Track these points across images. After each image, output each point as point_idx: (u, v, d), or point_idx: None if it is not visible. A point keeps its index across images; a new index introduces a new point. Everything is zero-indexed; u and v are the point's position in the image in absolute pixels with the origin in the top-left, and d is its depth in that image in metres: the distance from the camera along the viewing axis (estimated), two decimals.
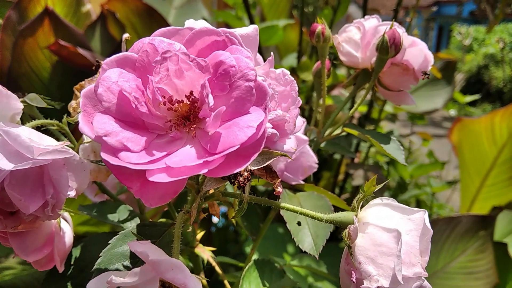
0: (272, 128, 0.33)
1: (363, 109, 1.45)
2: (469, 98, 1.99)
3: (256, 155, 0.26)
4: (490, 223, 1.06)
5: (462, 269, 1.07)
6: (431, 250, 1.01)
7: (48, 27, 0.96)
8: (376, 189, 0.33)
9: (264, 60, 0.38)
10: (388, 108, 1.49)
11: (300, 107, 1.10)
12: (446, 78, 1.59)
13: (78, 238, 0.45)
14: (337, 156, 1.43)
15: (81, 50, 0.91)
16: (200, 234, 0.50)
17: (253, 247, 0.56)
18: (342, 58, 0.52)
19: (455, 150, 1.39)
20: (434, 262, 1.09)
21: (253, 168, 0.31)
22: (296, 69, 1.24)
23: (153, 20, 1.14)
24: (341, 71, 1.46)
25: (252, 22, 1.19)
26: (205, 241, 0.50)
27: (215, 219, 1.39)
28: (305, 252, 0.47)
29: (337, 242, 1.30)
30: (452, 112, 2.30)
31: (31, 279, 0.75)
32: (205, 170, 0.25)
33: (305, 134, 0.53)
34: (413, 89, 1.62)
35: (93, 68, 0.41)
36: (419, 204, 1.68)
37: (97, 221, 0.86)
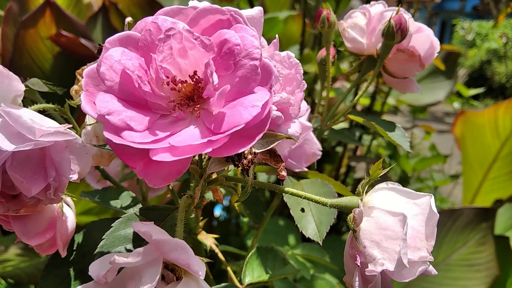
0: (277, 111, 0.33)
1: (366, 101, 1.45)
2: (473, 92, 1.97)
3: (260, 135, 0.26)
4: (491, 215, 1.06)
5: (463, 261, 1.07)
6: None
7: (50, 18, 0.95)
8: (381, 174, 0.33)
9: None
10: (391, 100, 1.49)
11: None
12: (448, 70, 1.59)
13: (80, 229, 0.44)
14: (339, 149, 1.42)
15: (83, 40, 0.91)
16: (203, 222, 0.50)
17: (256, 235, 0.56)
18: (347, 44, 0.51)
19: (458, 143, 1.39)
20: (435, 254, 1.09)
21: (257, 150, 0.31)
22: (298, 61, 1.23)
23: (154, 11, 1.13)
24: (344, 65, 1.46)
25: None
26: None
27: (217, 213, 1.39)
28: (307, 240, 0.47)
29: (339, 236, 1.30)
30: (456, 105, 2.29)
31: (32, 269, 0.75)
32: (209, 150, 0.24)
33: (309, 121, 0.52)
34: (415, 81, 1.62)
35: (96, 52, 0.40)
36: None
37: (99, 210, 0.86)
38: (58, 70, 1.01)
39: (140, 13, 1.16)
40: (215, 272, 0.82)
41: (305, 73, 1.25)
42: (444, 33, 12.39)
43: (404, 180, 1.69)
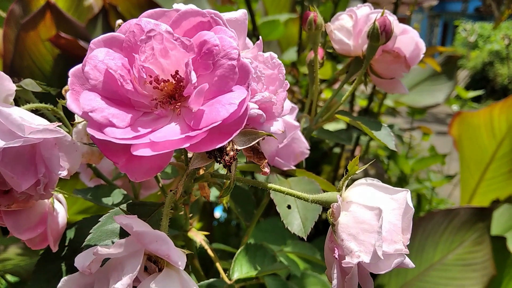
0: (259, 109, 0.34)
1: (363, 103, 1.45)
2: (472, 94, 1.98)
3: (238, 131, 0.27)
4: (487, 215, 1.06)
5: (460, 261, 1.08)
6: (428, 242, 1.01)
7: (50, 21, 0.97)
8: (360, 170, 0.34)
9: None
10: (389, 102, 1.49)
11: (300, 101, 1.09)
12: (448, 73, 1.59)
13: (73, 226, 0.45)
14: (337, 150, 1.43)
15: (82, 43, 0.92)
16: (194, 219, 0.51)
17: (247, 232, 0.57)
18: (334, 46, 0.52)
19: (455, 144, 1.39)
20: (432, 254, 1.09)
21: (239, 147, 0.32)
22: (296, 62, 1.25)
23: None
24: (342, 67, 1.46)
25: (252, 17, 1.20)
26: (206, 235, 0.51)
27: (217, 214, 1.41)
28: (300, 239, 0.48)
29: None
30: (455, 107, 2.29)
31: (32, 267, 0.76)
32: (187, 145, 0.25)
33: (298, 121, 0.53)
34: (415, 84, 1.63)
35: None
36: (419, 198, 1.69)
37: (96, 210, 0.87)
38: (58, 71, 1.02)
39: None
40: (213, 271, 0.82)
41: (303, 74, 1.26)
42: (446, 35, 12.38)
43: (403, 181, 1.70)
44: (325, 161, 1.44)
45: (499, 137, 1.23)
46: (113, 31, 0.98)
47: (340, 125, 1.41)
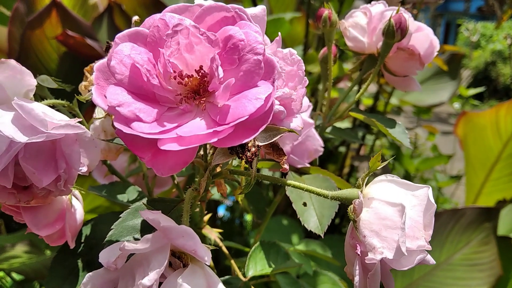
0: (279, 105, 0.34)
1: (369, 102, 1.45)
2: (472, 91, 1.98)
3: (264, 126, 0.27)
4: (494, 215, 1.06)
5: (466, 261, 1.07)
6: (434, 242, 1.01)
7: (56, 19, 0.97)
8: (381, 166, 0.34)
9: None
10: (394, 101, 1.49)
11: None
12: (452, 71, 1.59)
13: (87, 223, 0.45)
14: (342, 149, 1.43)
15: (89, 41, 0.92)
16: (207, 217, 0.51)
17: (259, 230, 0.57)
18: (348, 43, 0.52)
19: (461, 144, 1.39)
20: (438, 254, 1.09)
21: (260, 143, 0.32)
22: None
23: (159, 12, 1.15)
24: (347, 66, 1.47)
25: None
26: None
27: (220, 213, 1.41)
28: (309, 237, 0.48)
29: (343, 236, 1.31)
30: (456, 105, 2.30)
31: (39, 266, 0.76)
32: (215, 140, 0.25)
33: (311, 119, 0.53)
34: (419, 82, 1.63)
35: (104, 49, 0.42)
36: None
37: (105, 209, 0.87)
38: (64, 70, 1.02)
39: (146, 14, 1.17)
40: (220, 268, 0.82)
41: (309, 73, 1.26)
42: (448, 34, 12.39)
43: (407, 180, 1.69)
44: (330, 160, 1.44)
45: (505, 137, 1.22)
46: (119, 29, 0.98)
47: (345, 124, 1.41)
